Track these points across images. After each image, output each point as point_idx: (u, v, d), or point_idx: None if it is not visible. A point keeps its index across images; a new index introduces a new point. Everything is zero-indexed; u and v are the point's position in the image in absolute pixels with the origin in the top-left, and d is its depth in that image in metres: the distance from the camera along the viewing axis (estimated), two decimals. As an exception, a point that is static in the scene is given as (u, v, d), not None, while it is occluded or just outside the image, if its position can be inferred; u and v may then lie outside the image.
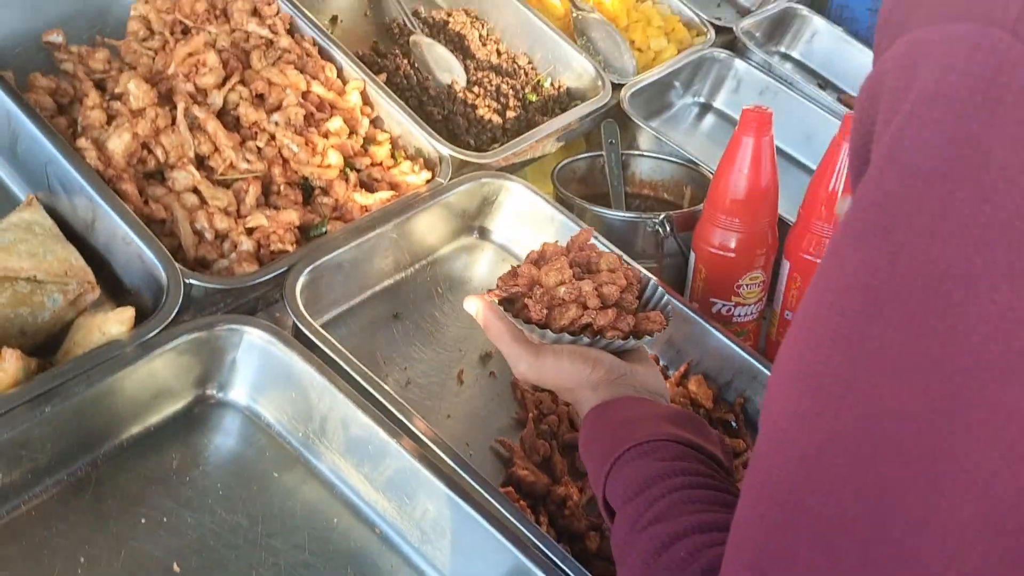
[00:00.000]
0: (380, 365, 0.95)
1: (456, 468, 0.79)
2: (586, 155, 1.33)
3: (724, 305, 1.13)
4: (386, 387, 0.83)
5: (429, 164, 1.13)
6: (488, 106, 1.28)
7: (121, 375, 0.78)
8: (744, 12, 1.85)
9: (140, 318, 0.82)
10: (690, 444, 0.67)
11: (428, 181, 1.09)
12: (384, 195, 1.05)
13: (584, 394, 0.76)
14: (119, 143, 0.93)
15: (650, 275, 0.87)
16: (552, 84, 1.41)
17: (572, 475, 0.91)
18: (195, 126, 1.00)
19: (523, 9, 1.45)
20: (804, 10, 1.82)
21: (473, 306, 0.81)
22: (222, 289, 0.87)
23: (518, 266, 0.81)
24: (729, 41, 1.64)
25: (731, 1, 1.90)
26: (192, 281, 0.86)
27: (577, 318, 0.76)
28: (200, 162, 0.99)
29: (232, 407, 0.86)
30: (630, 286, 0.80)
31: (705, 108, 1.63)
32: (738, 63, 1.59)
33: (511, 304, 0.79)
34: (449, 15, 1.45)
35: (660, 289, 0.84)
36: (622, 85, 1.41)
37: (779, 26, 1.81)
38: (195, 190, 0.96)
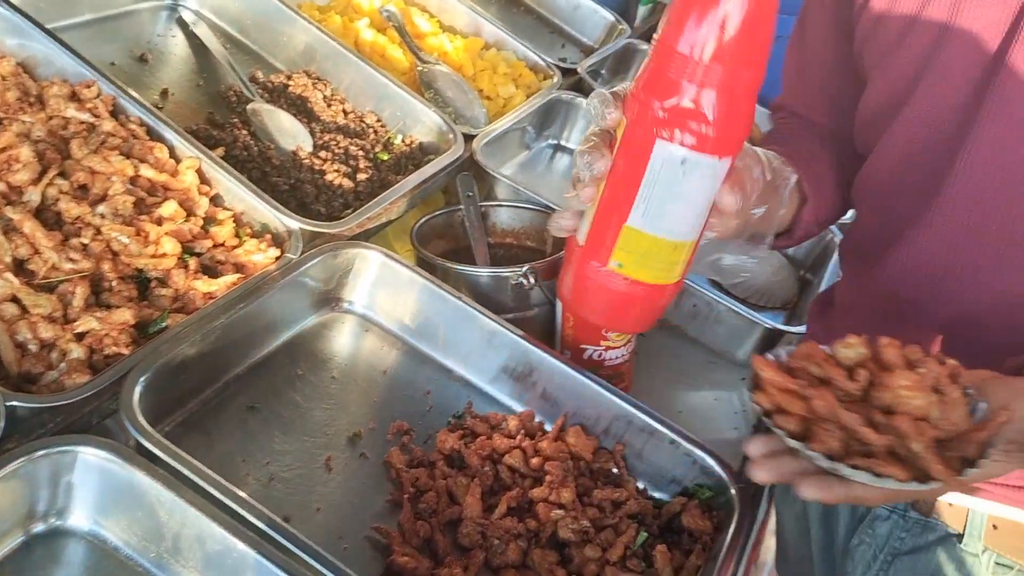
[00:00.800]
0: (238, 465, 0.89)
1: (328, 574, 0.74)
2: (444, 210, 1.31)
3: (595, 350, 1.12)
4: (241, 493, 0.77)
5: (278, 240, 1.08)
6: (337, 170, 1.24)
7: (-66, 523, 0.70)
8: (588, 51, 1.89)
9: (-44, 452, 0.74)
10: None
11: (278, 258, 1.04)
12: (230, 278, 0.99)
13: None
14: (-82, 258, 0.84)
15: None
16: (404, 141, 1.38)
17: (456, 552, 0.88)
18: (10, 228, 0.92)
19: (365, 66, 1.42)
20: (645, 44, 1.87)
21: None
22: (50, 407, 0.80)
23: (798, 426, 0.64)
24: (576, 81, 1.66)
25: (575, 42, 1.94)
26: (15, 403, 0.78)
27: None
28: (19, 267, 0.91)
29: (73, 535, 0.78)
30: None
31: (559, 148, 1.64)
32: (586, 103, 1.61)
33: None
34: (289, 78, 1.41)
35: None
36: (475, 136, 1.40)
37: (623, 62, 1.85)
38: (14, 299, 0.87)
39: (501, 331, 1.05)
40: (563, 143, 1.64)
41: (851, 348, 0.67)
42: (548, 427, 1.04)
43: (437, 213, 1.29)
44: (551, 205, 1.31)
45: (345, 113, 1.39)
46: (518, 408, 1.06)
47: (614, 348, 1.13)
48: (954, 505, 0.98)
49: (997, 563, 0.97)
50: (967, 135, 0.85)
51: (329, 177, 1.22)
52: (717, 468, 0.97)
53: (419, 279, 1.08)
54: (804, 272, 1.51)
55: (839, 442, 0.63)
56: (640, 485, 1.01)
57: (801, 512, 1.18)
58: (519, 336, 1.06)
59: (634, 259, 0.72)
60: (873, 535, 1.05)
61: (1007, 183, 0.85)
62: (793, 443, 0.64)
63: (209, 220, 1.07)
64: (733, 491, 0.95)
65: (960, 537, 0.99)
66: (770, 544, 1.43)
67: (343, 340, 1.08)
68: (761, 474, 0.68)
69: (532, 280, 1.15)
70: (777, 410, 0.66)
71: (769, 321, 1.28)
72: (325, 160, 1.25)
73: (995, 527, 0.97)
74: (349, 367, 1.05)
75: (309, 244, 1.08)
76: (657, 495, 1.01)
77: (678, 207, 0.68)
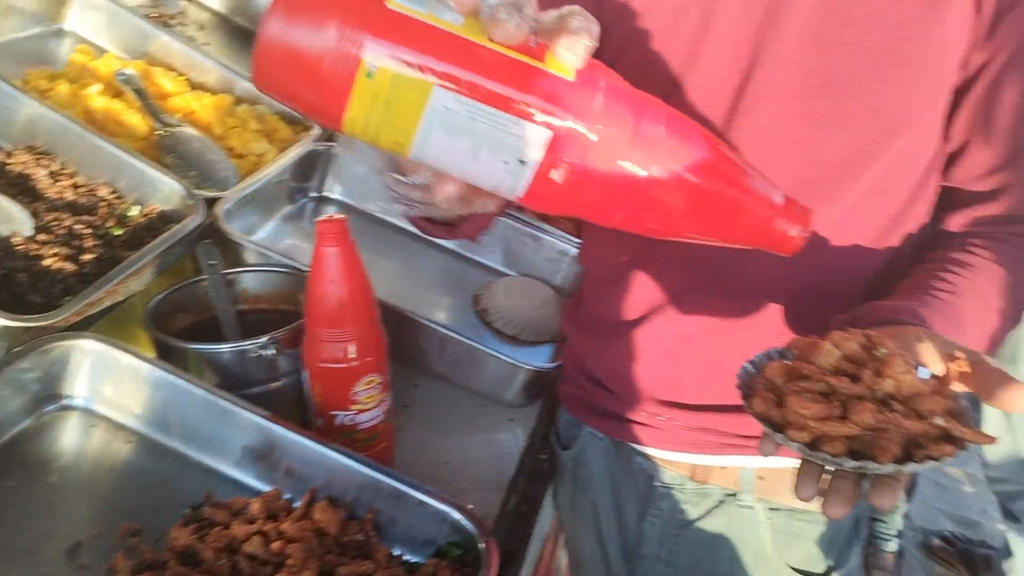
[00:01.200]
0: (-77, 605, 0.80)
1: None
2: (184, 283, 1.24)
3: (346, 415, 1.10)
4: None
5: (-21, 340, 0.99)
6: (56, 254, 1.15)
7: None
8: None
9: None
10: None
11: (-25, 362, 0.96)
12: (-86, 393, 0.90)
13: None
14: None
15: None
16: (142, 212, 1.31)
17: (186, 659, 0.82)
18: None
19: (93, 137, 1.34)
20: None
21: None
22: None
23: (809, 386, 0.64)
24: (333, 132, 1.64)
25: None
26: None
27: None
28: None
29: None
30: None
31: (324, 200, 1.61)
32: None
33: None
34: (9, 155, 1.31)
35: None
36: (218, 199, 1.34)
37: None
38: None
39: (236, 410, 1.01)
40: (329, 195, 1.62)
41: (832, 354, 0.65)
42: (298, 504, 1.00)
43: (176, 287, 1.23)
44: (299, 266, 1.27)
45: (76, 188, 1.31)
46: (265, 489, 1.02)
47: (366, 411, 1.11)
48: (727, 468, 1.06)
49: (770, 509, 1.05)
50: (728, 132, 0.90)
51: (47, 262, 1.13)
52: (465, 523, 0.97)
53: (142, 365, 1.02)
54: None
55: (898, 446, 0.60)
56: (396, 551, 0.99)
57: (591, 518, 1.20)
58: (256, 413, 1.02)
59: (382, 91, 0.55)
60: (659, 513, 1.10)
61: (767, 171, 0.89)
62: (852, 464, 0.61)
63: None
64: (482, 545, 0.95)
65: (735, 495, 1.06)
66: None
67: (64, 440, 1.00)
68: (839, 510, 0.64)
69: (275, 351, 1.11)
70: (818, 439, 0.62)
71: (530, 363, 1.29)
72: (43, 244, 1.16)
73: (761, 478, 1.05)
74: (71, 470, 0.97)
75: (19, 340, 1.00)
76: (414, 559, 1.00)
77: (458, 150, 0.55)
